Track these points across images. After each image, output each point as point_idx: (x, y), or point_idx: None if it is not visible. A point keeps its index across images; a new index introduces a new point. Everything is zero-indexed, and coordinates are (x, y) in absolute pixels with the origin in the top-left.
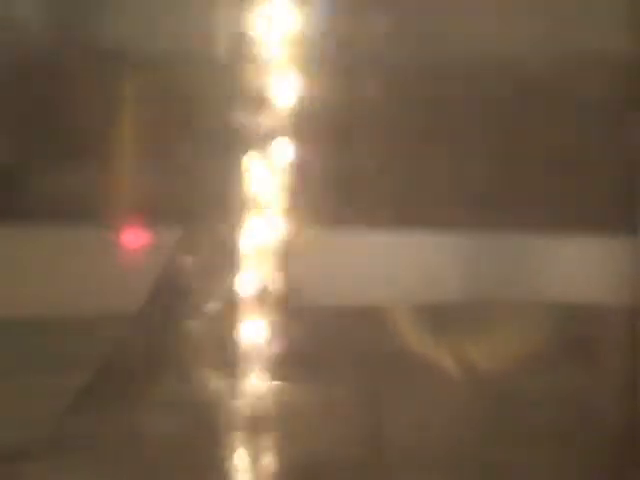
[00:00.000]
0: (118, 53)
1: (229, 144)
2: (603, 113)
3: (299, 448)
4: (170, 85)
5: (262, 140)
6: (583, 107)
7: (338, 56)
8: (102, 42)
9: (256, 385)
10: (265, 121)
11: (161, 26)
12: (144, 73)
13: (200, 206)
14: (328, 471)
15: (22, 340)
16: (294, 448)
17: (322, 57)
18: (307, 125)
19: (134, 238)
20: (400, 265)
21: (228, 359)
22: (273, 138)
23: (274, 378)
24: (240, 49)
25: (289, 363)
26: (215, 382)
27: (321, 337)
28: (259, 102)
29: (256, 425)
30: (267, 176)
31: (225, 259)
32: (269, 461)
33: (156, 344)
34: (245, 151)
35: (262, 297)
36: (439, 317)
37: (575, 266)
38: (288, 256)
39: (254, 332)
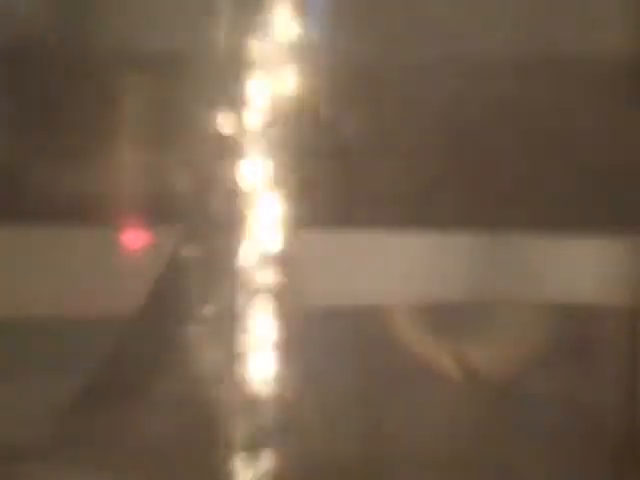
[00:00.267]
0: (118, 53)
1: (229, 144)
2: (603, 113)
3: (299, 448)
4: (170, 85)
5: (262, 140)
6: (583, 107)
7: (337, 58)
8: (102, 42)
9: (256, 385)
10: (264, 121)
11: (161, 26)
12: (144, 73)
13: (200, 206)
14: (328, 471)
15: (22, 340)
16: (294, 448)
17: (320, 58)
18: (308, 122)
19: (134, 238)
20: (400, 265)
21: (228, 359)
22: (272, 137)
23: (274, 378)
24: (240, 49)
25: (289, 363)
26: (215, 382)
27: (321, 337)
28: (259, 102)
29: (256, 425)
30: (267, 176)
31: (225, 259)
32: (269, 461)
33: (156, 344)
34: (245, 151)
35: (262, 297)
36: (439, 317)
37: (575, 266)
38: (288, 256)
39: (254, 332)
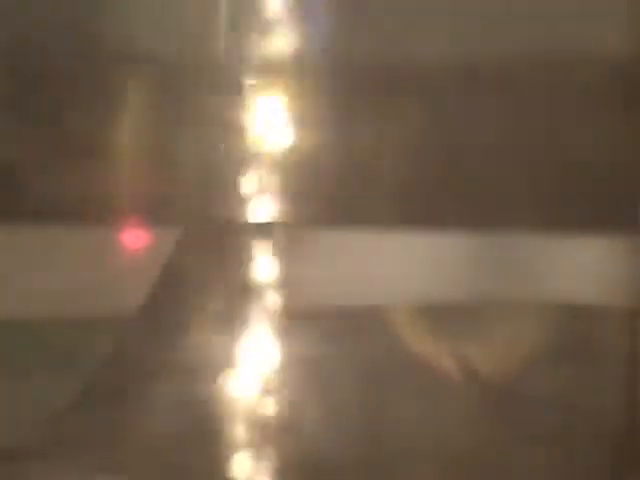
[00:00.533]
0: (119, 53)
1: (229, 144)
2: (603, 113)
3: (299, 448)
4: (170, 85)
5: (262, 140)
6: (583, 107)
7: (335, 59)
8: (103, 42)
9: (256, 385)
10: (264, 117)
11: (161, 26)
12: (145, 73)
13: (200, 206)
14: (328, 471)
15: (22, 340)
16: (294, 448)
17: (320, 59)
18: (308, 123)
19: (134, 238)
20: (400, 265)
21: (228, 359)
22: (272, 135)
23: (274, 378)
24: (239, 49)
25: (289, 363)
26: (215, 382)
27: (321, 337)
28: (258, 101)
29: (256, 425)
30: (267, 176)
31: (225, 260)
32: (269, 461)
33: (156, 344)
34: (246, 151)
35: (262, 297)
36: (439, 317)
37: (575, 266)
38: (288, 256)
39: (254, 332)
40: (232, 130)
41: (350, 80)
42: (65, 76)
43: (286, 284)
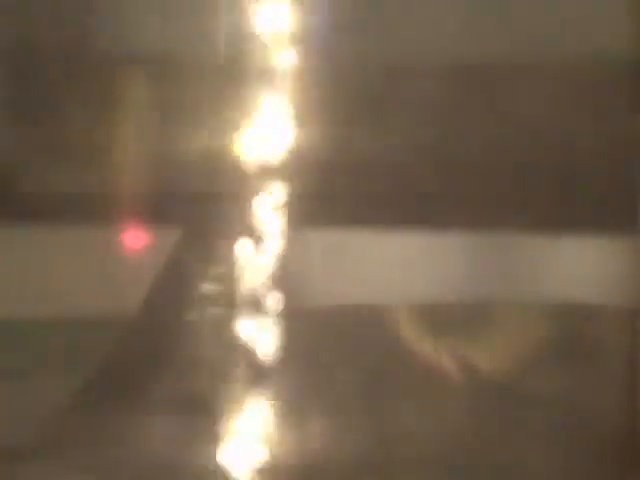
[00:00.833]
0: (118, 53)
1: (229, 144)
2: (603, 113)
3: (299, 447)
4: (170, 85)
5: (262, 140)
6: (583, 107)
7: (335, 59)
8: (102, 42)
9: (256, 385)
10: (264, 117)
11: (160, 26)
12: (145, 73)
13: (200, 206)
14: (328, 471)
15: (22, 340)
16: (294, 448)
17: (320, 59)
18: (308, 123)
19: (134, 238)
20: (400, 265)
21: (228, 359)
22: (272, 135)
23: (274, 378)
24: (239, 49)
25: (289, 363)
26: (215, 382)
27: (321, 337)
28: (259, 103)
29: (256, 425)
30: (267, 176)
31: (224, 259)
32: (269, 461)
33: (156, 344)
34: (244, 151)
35: (262, 297)
36: (439, 317)
37: (575, 266)
38: (288, 256)
39: (254, 332)
40: (232, 130)
41: (351, 80)
42: (65, 76)
43: (286, 284)
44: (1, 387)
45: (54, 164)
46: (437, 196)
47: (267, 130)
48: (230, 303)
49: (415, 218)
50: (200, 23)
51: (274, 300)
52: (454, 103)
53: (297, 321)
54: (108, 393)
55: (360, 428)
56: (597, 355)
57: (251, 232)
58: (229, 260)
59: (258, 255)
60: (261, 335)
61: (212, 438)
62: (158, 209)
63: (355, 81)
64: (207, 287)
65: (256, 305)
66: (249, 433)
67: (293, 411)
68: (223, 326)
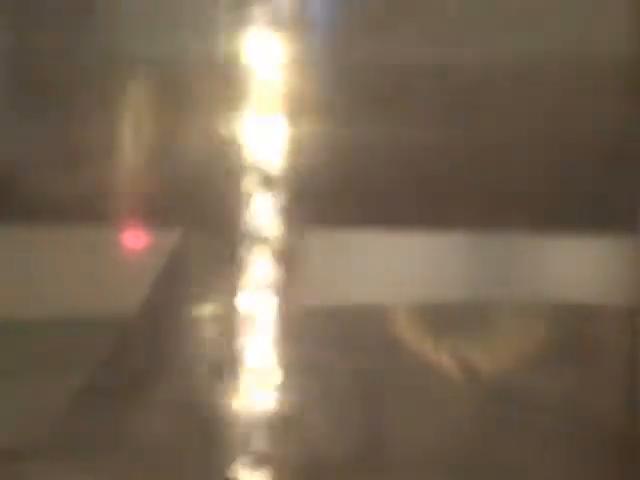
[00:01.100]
0: (118, 53)
1: (229, 144)
2: (603, 113)
3: (299, 448)
4: (170, 85)
5: (262, 140)
6: (583, 107)
7: (336, 60)
8: (102, 42)
9: (256, 385)
10: (264, 118)
11: (160, 27)
12: (145, 73)
13: (200, 206)
14: (328, 471)
15: (22, 340)
16: (294, 448)
17: (319, 59)
18: (307, 123)
19: (134, 238)
20: (400, 265)
21: (228, 359)
22: (272, 135)
23: (274, 378)
24: (239, 49)
25: (289, 363)
26: (215, 382)
27: (321, 337)
28: (258, 103)
29: (257, 425)
30: (267, 176)
31: (225, 260)
32: (269, 461)
33: (156, 344)
34: (244, 151)
35: (263, 296)
36: (439, 317)
37: (575, 266)
38: (288, 256)
39: (254, 332)
40: (232, 130)
41: (351, 79)
42: (65, 76)
43: (286, 284)
44: (1, 387)
45: (54, 164)
46: (437, 196)
47: (267, 130)
48: (230, 303)
49: (415, 218)
50: (200, 23)
51: (274, 300)
52: (454, 103)
53: (297, 321)
54: (108, 393)
55: (360, 428)
56: (597, 355)
57: (251, 232)
58: (229, 260)
59: (258, 255)
60: (261, 335)
61: (212, 438)
62: (158, 209)
63: (356, 80)
64: (207, 287)
65: (256, 305)
66: (249, 433)
67: (293, 411)
68: (223, 326)
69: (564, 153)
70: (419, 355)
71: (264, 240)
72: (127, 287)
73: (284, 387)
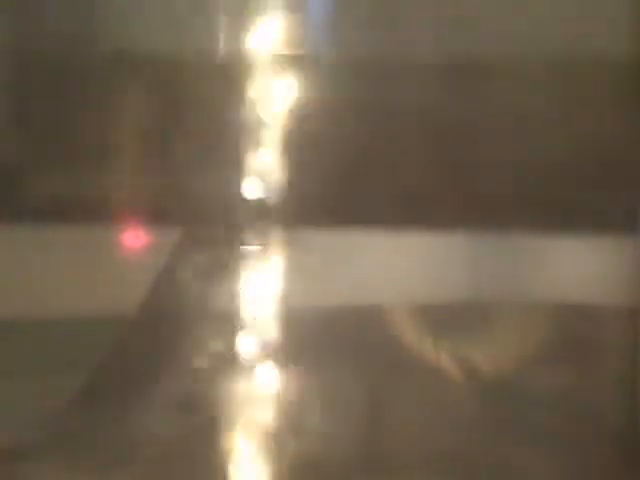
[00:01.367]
0: (118, 53)
1: (229, 143)
2: (603, 113)
3: (299, 447)
4: (170, 85)
5: (261, 141)
6: (583, 108)
7: (336, 60)
8: (102, 42)
9: (256, 385)
10: (264, 119)
11: (161, 26)
12: (144, 73)
13: (200, 206)
14: (328, 471)
15: (22, 340)
16: (294, 448)
17: (319, 59)
18: (307, 123)
19: (134, 238)
20: (400, 265)
21: (228, 359)
22: (272, 135)
23: (274, 378)
24: (240, 49)
25: (289, 363)
26: (215, 382)
27: (321, 337)
28: (258, 102)
29: (256, 425)
30: (266, 176)
31: (224, 260)
32: (269, 461)
33: (156, 344)
34: (244, 151)
35: (262, 296)
36: (439, 317)
37: (575, 266)
38: (288, 256)
39: (253, 332)
40: (232, 130)
41: (351, 78)
42: (64, 76)
43: (286, 284)
44: (1, 387)
45: (54, 164)
46: (437, 196)
47: (267, 129)
48: (230, 303)
49: (415, 218)
50: (200, 23)
51: (274, 300)
52: (453, 103)
53: (297, 321)
54: (108, 393)
55: (360, 428)
56: (597, 355)
57: (251, 232)
58: (229, 260)
59: (258, 255)
60: (261, 335)
61: (212, 438)
62: (158, 209)
63: (356, 79)
64: (207, 287)
65: (256, 305)
66: (249, 433)
67: (293, 411)
68: (223, 326)
69: (564, 153)
70: (419, 355)
71: (264, 240)
72: (127, 287)
73: (284, 387)
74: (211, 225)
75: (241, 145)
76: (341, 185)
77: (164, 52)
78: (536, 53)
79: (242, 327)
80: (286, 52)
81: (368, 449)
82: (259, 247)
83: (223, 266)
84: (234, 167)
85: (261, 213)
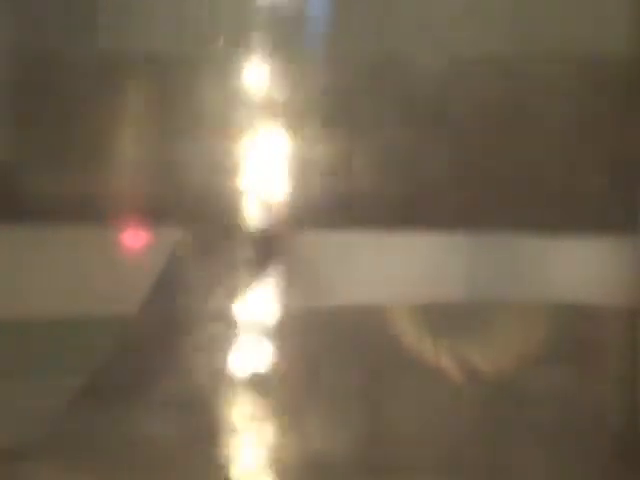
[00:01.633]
0: (118, 53)
1: (229, 143)
2: (604, 113)
3: (299, 448)
4: (170, 85)
5: (262, 139)
6: (583, 107)
7: (334, 55)
8: (102, 42)
9: (256, 385)
10: (264, 118)
11: (161, 26)
12: (144, 73)
13: (200, 206)
14: (328, 471)
15: (22, 340)
16: (294, 448)
17: (320, 52)
18: (307, 122)
19: (134, 238)
20: (400, 265)
21: (228, 359)
22: (272, 135)
23: (274, 378)
24: (239, 49)
25: (289, 363)
26: (214, 382)
27: (321, 337)
28: (258, 102)
29: (256, 425)
30: (266, 175)
31: (224, 260)
32: (268, 461)
33: (156, 344)
34: (244, 151)
35: (262, 297)
36: (439, 317)
37: (575, 266)
38: (288, 256)
39: (253, 332)
40: (232, 130)
41: (352, 78)
42: (64, 76)
43: (286, 284)
44: (1, 387)
45: (54, 164)
46: (437, 196)
47: (268, 129)
48: (230, 303)
49: (415, 218)
50: (200, 23)
51: (274, 300)
52: (453, 102)
53: (297, 321)
54: (108, 393)
55: (360, 428)
56: (597, 355)
57: (251, 232)
58: (229, 260)
59: (258, 255)
60: (261, 335)
61: (212, 438)
62: (158, 209)
63: (356, 79)
64: (207, 287)
65: (256, 305)
66: (249, 433)
67: (293, 411)
68: (223, 326)
69: (564, 153)
70: (419, 355)
71: (264, 240)
72: (127, 287)
73: (284, 387)
74: (211, 225)
75: (241, 145)
76: (342, 185)
77: (164, 52)
78: (535, 53)
79: (242, 327)
80: (286, 52)
81: (368, 449)
82: (259, 247)
83: (223, 266)
84: (234, 167)
85: (261, 213)
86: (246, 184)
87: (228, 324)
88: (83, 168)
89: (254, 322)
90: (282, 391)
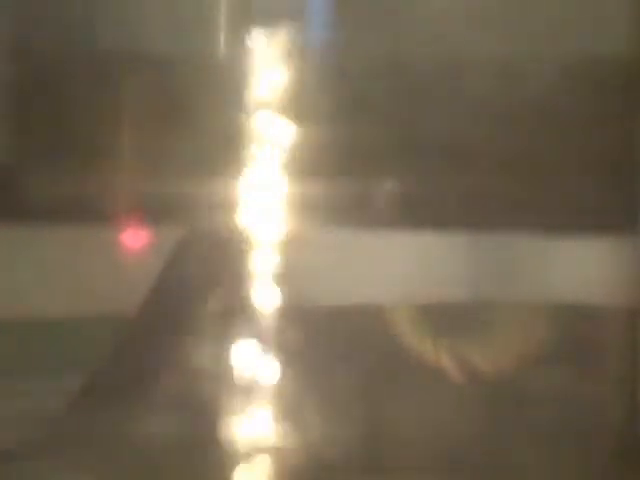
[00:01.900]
0: (118, 53)
1: (229, 144)
2: (603, 113)
3: (299, 447)
4: (170, 85)
5: (262, 139)
6: (583, 107)
7: (334, 55)
8: (102, 42)
9: (256, 385)
10: (264, 117)
11: (161, 26)
12: (144, 73)
13: (200, 206)
14: (328, 471)
15: (21, 340)
16: (294, 448)
17: (319, 51)
18: (309, 123)
19: (134, 238)
20: (400, 265)
21: (229, 358)
22: (272, 134)
23: (274, 378)
24: (240, 49)
25: (289, 363)
26: (214, 382)
27: (321, 337)
28: (258, 102)
29: (255, 425)
30: (266, 175)
31: (224, 260)
32: (268, 461)
33: (156, 344)
34: (244, 151)
35: (262, 297)
36: (439, 317)
37: (575, 266)
38: (288, 256)
39: (253, 332)
40: (232, 130)
41: (352, 78)
42: (64, 76)
43: (286, 284)
44: (1, 387)
45: (53, 164)
46: (437, 196)
47: (267, 129)
48: (230, 303)
49: (415, 218)
50: (200, 23)
51: (274, 300)
52: (452, 102)
53: (297, 321)
54: (108, 393)
55: (360, 428)
56: (597, 356)
57: (251, 232)
58: (229, 260)
59: (258, 255)
60: (261, 335)
61: (212, 438)
62: (158, 209)
63: (357, 79)
64: (207, 287)
65: (256, 305)
66: (249, 433)
67: (293, 411)
68: (223, 326)
69: (564, 153)
70: (419, 355)
71: (264, 240)
72: (127, 287)
73: (284, 387)
74: (211, 225)
75: (241, 145)
76: (342, 185)
77: (164, 52)
78: (535, 53)
79: (242, 327)
80: (286, 52)
81: (368, 449)
82: (259, 247)
83: (223, 266)
84: (234, 167)
85: (261, 213)
86: (246, 184)
87: (228, 324)
88: (83, 168)
89: (254, 322)
90: (282, 391)
